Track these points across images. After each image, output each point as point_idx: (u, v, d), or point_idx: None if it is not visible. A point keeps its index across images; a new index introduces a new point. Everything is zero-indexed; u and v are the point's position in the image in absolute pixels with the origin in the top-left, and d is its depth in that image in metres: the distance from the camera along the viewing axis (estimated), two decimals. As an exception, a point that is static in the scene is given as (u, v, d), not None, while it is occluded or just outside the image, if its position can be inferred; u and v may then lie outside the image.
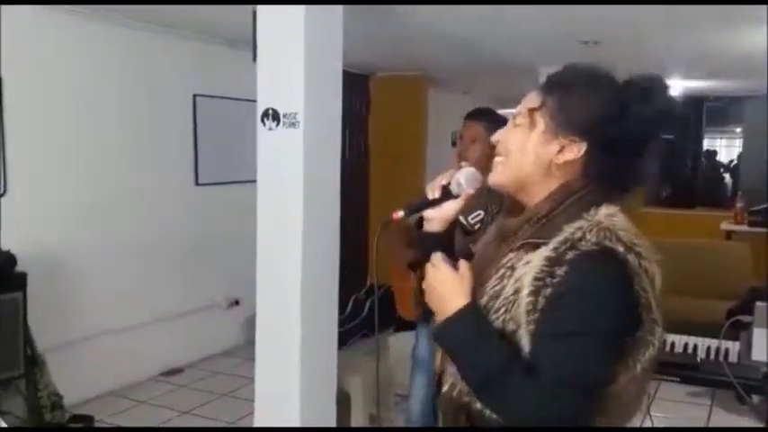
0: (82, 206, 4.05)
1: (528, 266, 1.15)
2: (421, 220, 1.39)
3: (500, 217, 1.36)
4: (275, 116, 3.00)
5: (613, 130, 1.19)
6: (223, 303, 5.14)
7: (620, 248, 1.12)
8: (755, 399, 3.20)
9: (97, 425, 3.77)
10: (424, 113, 6.60)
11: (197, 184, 4.88)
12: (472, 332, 1.16)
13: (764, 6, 3.28)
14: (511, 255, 1.21)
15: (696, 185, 8.98)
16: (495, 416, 1.16)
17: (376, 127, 6.53)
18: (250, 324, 3.75)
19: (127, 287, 4.35)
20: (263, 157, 3.08)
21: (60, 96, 3.92)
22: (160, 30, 4.38)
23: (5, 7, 3.47)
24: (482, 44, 4.70)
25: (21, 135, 3.68)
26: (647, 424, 2.38)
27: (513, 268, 1.19)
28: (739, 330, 2.57)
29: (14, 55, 3.56)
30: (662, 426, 3.74)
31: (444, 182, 1.34)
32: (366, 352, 3.99)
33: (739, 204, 6.90)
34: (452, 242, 1.41)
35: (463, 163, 1.62)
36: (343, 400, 3.50)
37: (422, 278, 1.30)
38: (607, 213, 1.17)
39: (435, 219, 1.35)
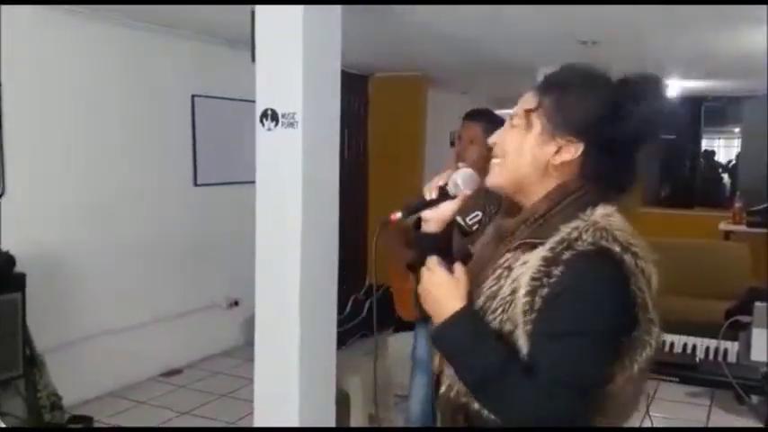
0: (81, 206, 4.05)
1: (525, 267, 1.16)
2: (419, 220, 1.39)
3: (498, 217, 1.36)
4: (274, 116, 3.01)
5: (610, 130, 1.19)
6: (222, 304, 5.14)
7: (617, 248, 1.12)
8: (754, 399, 3.20)
9: (96, 425, 3.77)
10: (423, 114, 6.60)
11: (196, 184, 4.88)
12: (468, 335, 1.16)
13: (764, 6, 3.28)
14: (508, 255, 1.22)
15: (695, 186, 8.98)
16: (492, 416, 1.16)
17: (375, 127, 6.53)
18: (249, 324, 3.75)
19: (126, 287, 4.35)
20: (262, 158, 3.08)
21: (60, 96, 3.91)
22: (159, 30, 4.38)
23: (5, 7, 3.47)
24: (481, 44, 4.70)
25: (20, 135, 3.68)
26: (647, 424, 2.38)
27: (510, 268, 1.19)
28: (738, 330, 2.57)
29: (14, 55, 3.56)
30: (661, 426, 3.74)
31: (441, 183, 1.35)
32: (365, 352, 3.99)
33: (738, 204, 6.91)
34: (450, 243, 1.41)
35: (460, 164, 1.62)
36: (343, 401, 3.50)
37: (419, 280, 1.30)
38: (603, 213, 1.17)
39: (433, 219, 1.36)
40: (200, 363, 4.88)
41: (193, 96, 4.78)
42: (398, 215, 1.32)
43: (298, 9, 2.92)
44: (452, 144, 5.35)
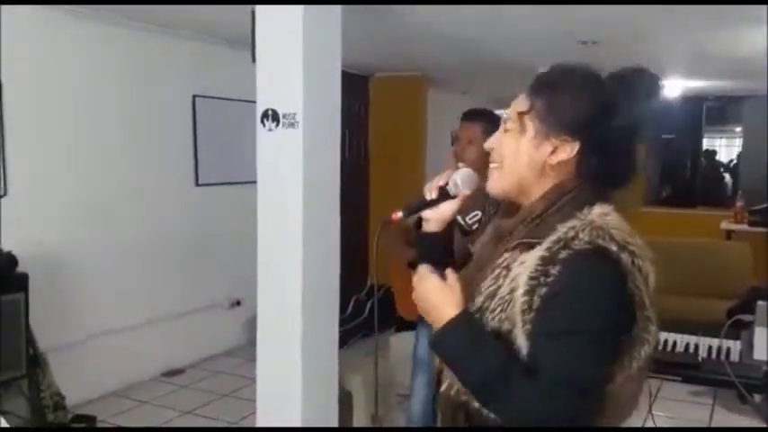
0: (82, 206, 4.05)
1: (523, 266, 1.16)
2: (420, 220, 1.40)
3: (496, 217, 1.37)
4: (275, 117, 3.01)
5: (604, 126, 1.20)
6: (224, 304, 5.15)
7: (613, 247, 1.13)
8: (757, 398, 3.19)
9: (99, 425, 3.77)
10: (423, 114, 6.60)
11: (197, 184, 4.88)
12: (466, 340, 1.16)
13: (763, 6, 3.28)
14: (506, 255, 1.22)
15: (696, 185, 8.98)
16: (492, 415, 1.16)
17: (375, 127, 6.53)
18: (251, 324, 3.76)
19: (128, 287, 4.36)
20: (263, 158, 3.09)
21: (60, 96, 3.92)
22: (160, 30, 4.39)
23: (5, 7, 3.47)
24: (481, 44, 4.70)
25: (21, 135, 3.69)
26: (650, 423, 2.38)
27: (508, 268, 1.19)
28: (740, 330, 2.57)
29: (14, 55, 3.56)
30: (664, 425, 3.74)
31: (442, 183, 1.35)
32: (367, 352, 3.99)
33: (739, 204, 6.91)
34: (451, 242, 1.42)
35: (460, 164, 1.62)
36: (345, 400, 3.50)
37: None
38: (600, 212, 1.18)
39: (433, 219, 1.37)
40: (203, 362, 4.89)
41: (194, 97, 4.79)
42: (399, 215, 1.33)
43: (298, 9, 2.92)
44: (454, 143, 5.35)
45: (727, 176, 9.66)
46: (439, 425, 1.31)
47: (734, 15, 3.65)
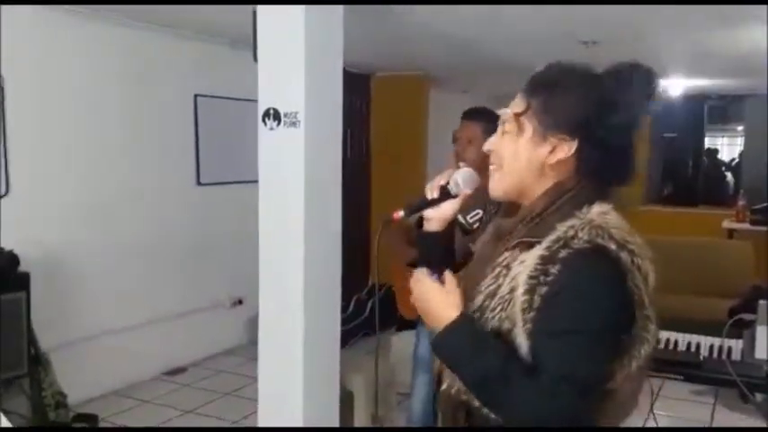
0: (83, 206, 4.06)
1: (523, 265, 1.16)
2: (421, 219, 1.40)
3: (497, 216, 1.37)
4: (276, 116, 3.01)
5: (602, 124, 1.20)
6: (226, 303, 5.15)
7: (613, 246, 1.13)
8: (759, 397, 3.19)
9: (101, 424, 3.78)
10: (425, 113, 6.59)
11: (198, 183, 4.89)
12: (467, 342, 1.16)
13: (763, 6, 3.28)
14: (506, 254, 1.22)
15: (698, 184, 8.97)
16: (493, 414, 1.17)
17: (377, 126, 6.53)
18: (253, 323, 3.76)
19: (130, 286, 4.36)
20: (265, 157, 3.09)
21: (61, 96, 3.92)
22: (160, 30, 4.39)
23: (5, 7, 3.47)
24: (481, 44, 4.70)
25: (21, 135, 3.69)
26: (651, 422, 2.38)
27: (508, 267, 1.20)
28: (742, 329, 2.57)
29: (14, 55, 3.57)
30: (665, 424, 3.74)
31: (443, 182, 1.36)
32: (368, 351, 3.99)
33: (741, 203, 6.90)
34: (452, 242, 1.42)
35: (461, 163, 1.63)
36: (347, 400, 3.51)
37: None
38: (600, 211, 1.18)
39: (434, 218, 1.37)
40: (204, 361, 4.89)
41: (196, 96, 4.79)
42: (401, 214, 1.33)
43: (299, 9, 2.92)
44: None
45: (729, 175, 9.65)
46: (439, 424, 1.32)
47: (734, 14, 3.65)
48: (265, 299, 3.13)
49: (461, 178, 1.35)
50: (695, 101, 8.25)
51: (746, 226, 6.70)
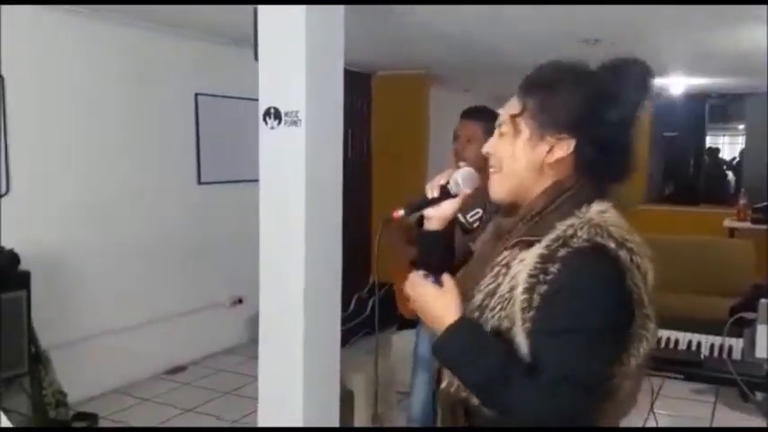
0: (84, 205, 4.06)
1: (522, 264, 1.16)
2: (421, 218, 1.41)
3: (497, 215, 1.37)
4: (277, 115, 3.00)
5: (599, 120, 1.20)
6: (226, 302, 5.15)
7: (612, 245, 1.13)
8: (759, 396, 3.19)
9: (101, 422, 3.78)
10: (426, 111, 6.59)
11: (199, 183, 4.88)
12: (467, 345, 1.16)
13: (763, 6, 3.28)
14: (506, 253, 1.22)
15: (699, 183, 8.97)
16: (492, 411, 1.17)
17: (378, 125, 6.52)
18: (253, 322, 3.76)
19: (130, 285, 4.36)
20: (265, 156, 3.08)
21: (61, 96, 3.92)
22: (161, 29, 4.38)
23: (5, 7, 3.47)
24: (482, 43, 4.69)
25: (22, 134, 3.69)
26: (651, 421, 2.38)
27: (508, 266, 1.20)
28: (743, 327, 2.57)
29: (14, 55, 3.57)
30: (665, 423, 3.73)
31: (443, 182, 1.36)
32: (369, 350, 4.00)
33: (742, 201, 6.89)
34: (452, 241, 1.42)
35: (461, 163, 1.63)
36: (347, 399, 3.51)
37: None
38: (599, 210, 1.18)
39: (434, 218, 1.38)
40: (204, 360, 4.89)
41: (196, 95, 4.79)
42: (401, 213, 1.33)
43: (300, 7, 2.91)
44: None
45: (730, 174, 9.64)
46: (439, 421, 1.32)
47: (735, 13, 3.65)
48: (266, 298, 3.13)
49: (461, 178, 1.35)
50: (696, 100, 8.24)
51: (747, 225, 6.69)
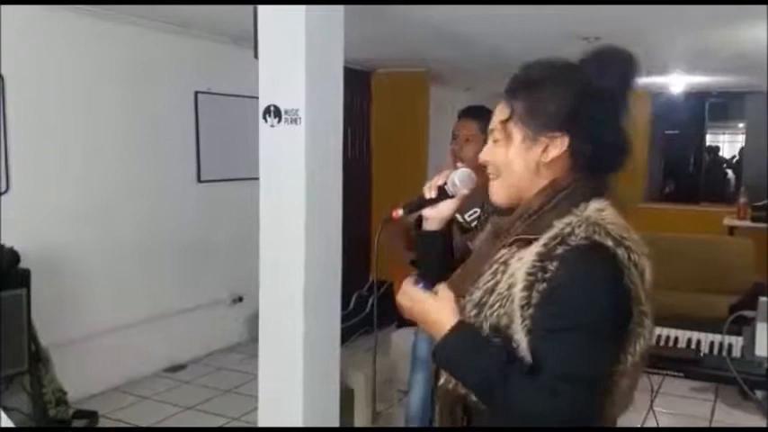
0: (84, 202, 4.06)
1: (521, 262, 1.16)
2: (420, 219, 1.41)
3: (495, 214, 1.37)
4: (277, 113, 3.00)
5: (589, 113, 1.20)
6: (226, 300, 5.16)
7: (609, 243, 1.13)
8: (759, 394, 3.20)
9: (101, 420, 3.78)
10: (426, 110, 6.58)
11: (199, 181, 4.88)
12: (465, 349, 1.17)
13: (763, 6, 3.28)
14: (504, 250, 1.23)
15: (699, 181, 8.98)
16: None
17: (378, 123, 6.51)
18: (253, 320, 3.76)
19: (130, 283, 4.36)
20: (265, 154, 3.08)
21: (60, 94, 3.92)
22: (160, 27, 4.38)
23: (5, 7, 3.47)
24: (483, 41, 4.69)
25: (22, 131, 3.69)
26: (650, 419, 2.38)
27: (506, 264, 1.20)
28: (742, 325, 2.57)
29: (15, 53, 3.57)
30: (665, 421, 3.74)
31: (440, 182, 1.37)
32: (369, 348, 3.99)
33: (742, 200, 6.89)
34: (451, 240, 1.43)
35: (459, 164, 1.63)
36: (347, 397, 3.51)
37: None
38: (596, 208, 1.18)
39: (432, 218, 1.39)
40: (205, 358, 4.90)
41: (196, 93, 4.79)
42: (400, 212, 1.34)
43: (300, 6, 2.91)
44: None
45: (730, 172, 9.65)
46: (437, 418, 1.32)
47: (735, 11, 3.65)
48: (265, 296, 3.13)
49: (458, 179, 1.36)
50: (696, 98, 8.24)
51: (747, 223, 6.69)
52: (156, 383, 4.42)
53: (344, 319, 3.80)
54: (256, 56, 3.06)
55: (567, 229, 1.14)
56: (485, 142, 1.33)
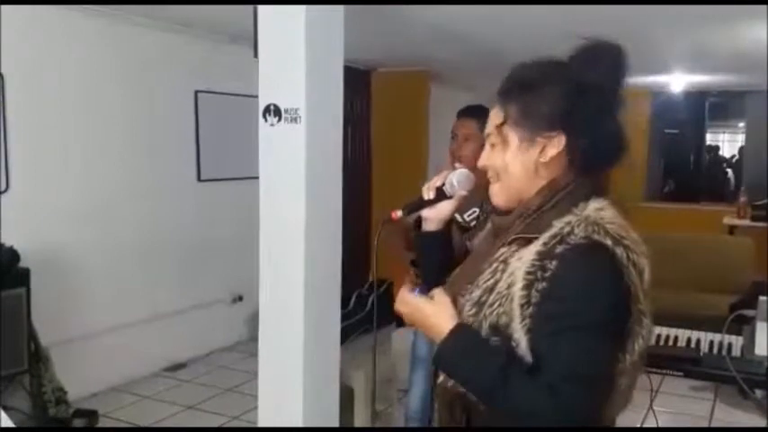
0: (84, 202, 4.06)
1: (520, 261, 1.17)
2: (419, 219, 1.41)
3: (494, 214, 1.37)
4: (277, 112, 3.00)
5: (582, 110, 1.20)
6: (226, 299, 5.16)
7: (608, 242, 1.13)
8: (758, 393, 3.19)
9: (101, 420, 3.78)
10: (426, 109, 6.58)
11: (199, 180, 4.89)
12: (465, 352, 1.17)
13: (763, 6, 3.29)
14: (503, 249, 1.23)
15: (699, 180, 8.98)
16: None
17: (378, 123, 6.51)
18: (253, 320, 3.76)
19: (130, 283, 4.37)
20: (265, 153, 3.08)
21: (60, 93, 3.92)
22: (160, 27, 4.38)
23: (5, 7, 3.47)
24: (483, 41, 4.69)
25: (22, 130, 3.69)
26: (650, 418, 2.38)
27: (506, 262, 1.20)
28: (742, 325, 2.57)
29: (15, 53, 3.57)
30: (664, 420, 3.74)
31: (439, 183, 1.37)
32: (369, 347, 3.98)
33: (742, 199, 6.90)
34: (450, 240, 1.43)
35: (457, 164, 1.64)
36: (347, 396, 3.51)
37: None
38: (596, 207, 1.18)
39: (431, 219, 1.39)
40: (205, 357, 4.90)
41: (196, 92, 4.79)
42: (399, 213, 1.35)
43: (300, 6, 2.91)
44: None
45: (730, 172, 9.65)
46: (436, 416, 1.32)
47: (735, 11, 3.65)
48: (265, 296, 3.13)
49: (457, 180, 1.37)
50: (696, 97, 8.25)
51: (747, 222, 6.69)
52: (157, 383, 4.42)
53: (344, 318, 3.80)
54: (256, 55, 3.06)
55: (567, 229, 1.15)
56: (483, 141, 1.33)
